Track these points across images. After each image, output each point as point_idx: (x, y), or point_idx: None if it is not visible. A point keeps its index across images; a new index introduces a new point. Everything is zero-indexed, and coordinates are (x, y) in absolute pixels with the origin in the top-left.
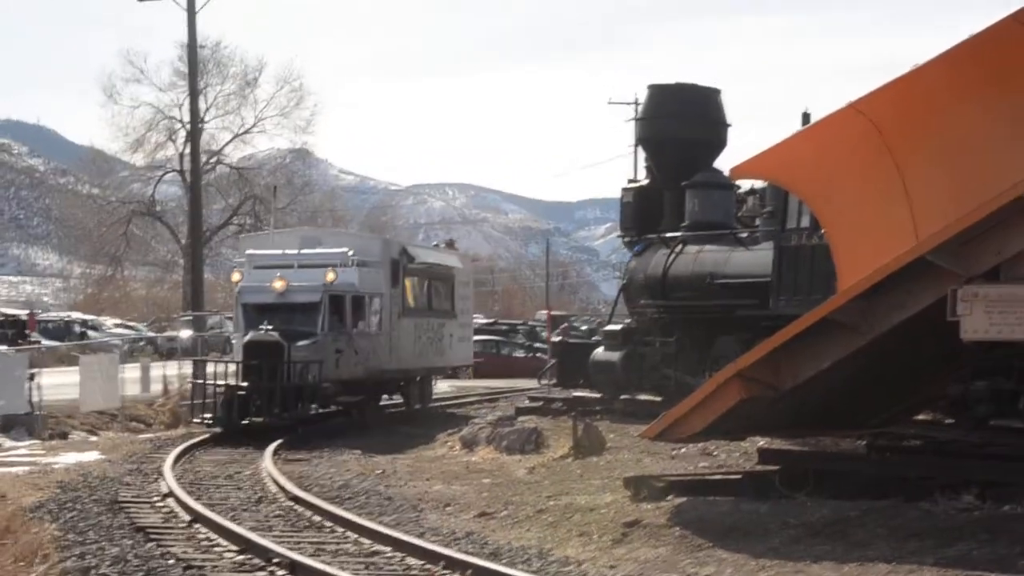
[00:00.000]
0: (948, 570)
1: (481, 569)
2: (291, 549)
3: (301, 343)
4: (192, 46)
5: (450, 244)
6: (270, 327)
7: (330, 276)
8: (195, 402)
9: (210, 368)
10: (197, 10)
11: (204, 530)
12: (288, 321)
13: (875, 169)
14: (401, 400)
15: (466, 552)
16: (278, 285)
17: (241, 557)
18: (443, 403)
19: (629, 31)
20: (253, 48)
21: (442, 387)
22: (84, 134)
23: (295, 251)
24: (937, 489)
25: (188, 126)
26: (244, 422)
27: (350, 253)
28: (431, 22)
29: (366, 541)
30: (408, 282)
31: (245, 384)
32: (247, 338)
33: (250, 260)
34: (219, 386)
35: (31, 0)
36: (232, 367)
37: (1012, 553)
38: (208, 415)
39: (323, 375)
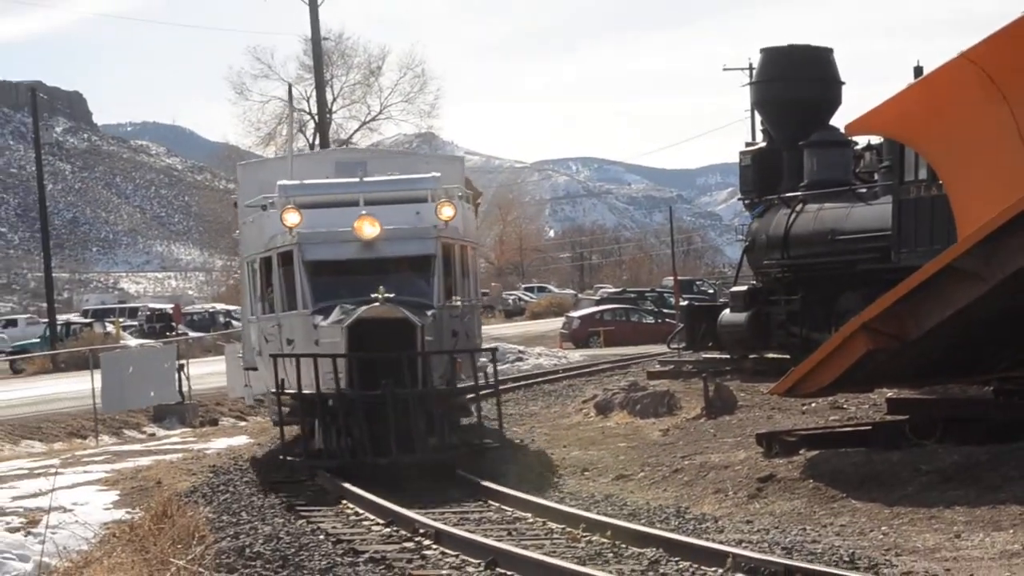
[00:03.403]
0: None
1: (620, 529)
2: (435, 520)
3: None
4: (316, 40)
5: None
6: (396, 292)
7: (447, 211)
8: (281, 420)
9: (295, 370)
10: (320, 3)
11: (352, 506)
12: (387, 285)
13: (990, 117)
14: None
15: (605, 514)
16: (368, 230)
17: (388, 530)
18: (576, 372)
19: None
20: (376, 37)
21: (575, 356)
22: (218, 131)
23: (354, 179)
24: None
25: (316, 117)
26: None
27: (444, 181)
28: (546, 2)
29: (508, 508)
30: None
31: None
32: (358, 315)
33: (284, 195)
34: (312, 400)
35: (160, 8)
36: (324, 367)
37: None
38: (293, 454)
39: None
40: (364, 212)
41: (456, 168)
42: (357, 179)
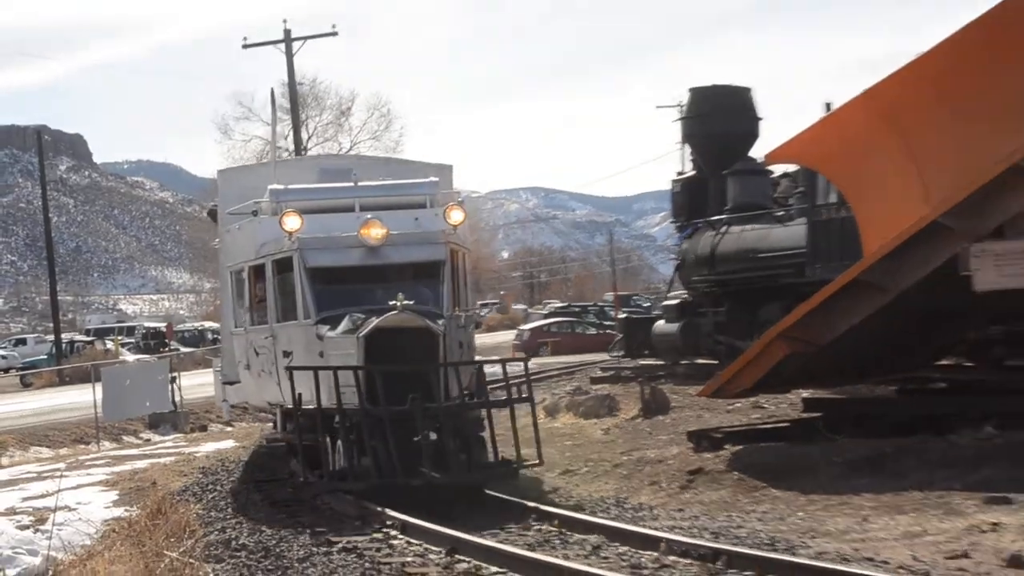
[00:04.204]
0: (973, 493)
1: (566, 518)
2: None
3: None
4: (292, 84)
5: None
6: (407, 300)
7: (457, 215)
8: (284, 435)
9: (302, 384)
10: (294, 53)
11: (329, 500)
12: (387, 295)
13: (889, 148)
14: None
15: (553, 504)
16: (375, 233)
17: (359, 522)
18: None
19: (673, 45)
20: (346, 81)
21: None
22: (205, 168)
23: (348, 184)
24: (961, 424)
25: (293, 154)
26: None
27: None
28: (497, 52)
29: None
30: None
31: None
32: (376, 324)
33: (276, 199)
34: (338, 413)
35: (152, 58)
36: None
37: None
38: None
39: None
40: (370, 216)
41: (446, 176)
42: (351, 183)
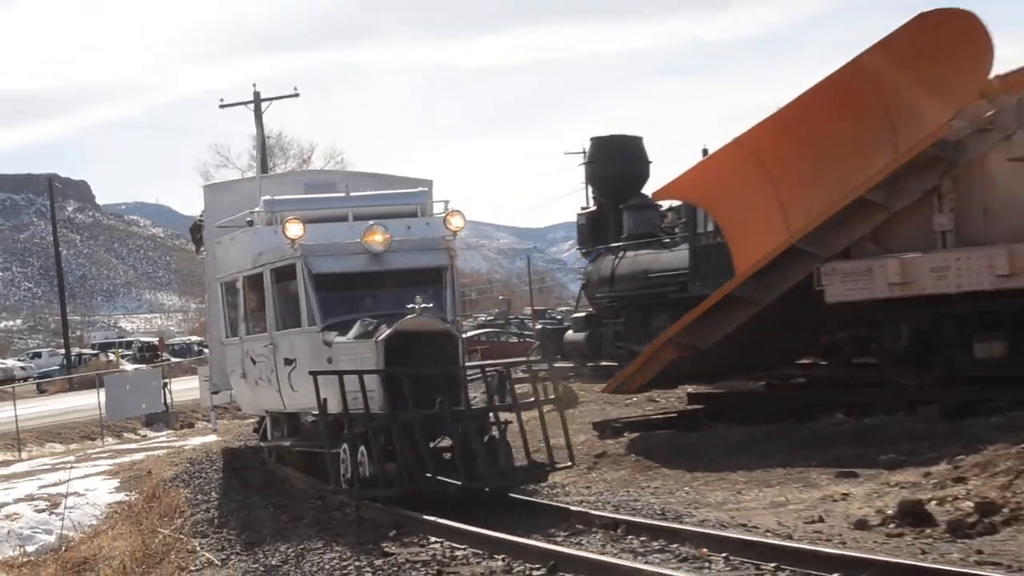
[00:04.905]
0: (827, 469)
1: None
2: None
3: None
4: (260, 137)
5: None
6: (424, 303)
7: (457, 221)
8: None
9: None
10: (263, 112)
11: (296, 485)
12: (389, 301)
13: (756, 187)
14: None
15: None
16: (378, 239)
17: (320, 502)
18: None
19: (579, 100)
20: (307, 134)
21: None
22: (191, 208)
23: (340, 195)
24: (817, 412)
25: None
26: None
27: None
28: (438, 106)
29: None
30: None
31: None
32: (395, 327)
33: (270, 210)
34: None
35: (146, 114)
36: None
37: (872, 451)
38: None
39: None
40: (372, 223)
41: (429, 190)
42: (343, 194)
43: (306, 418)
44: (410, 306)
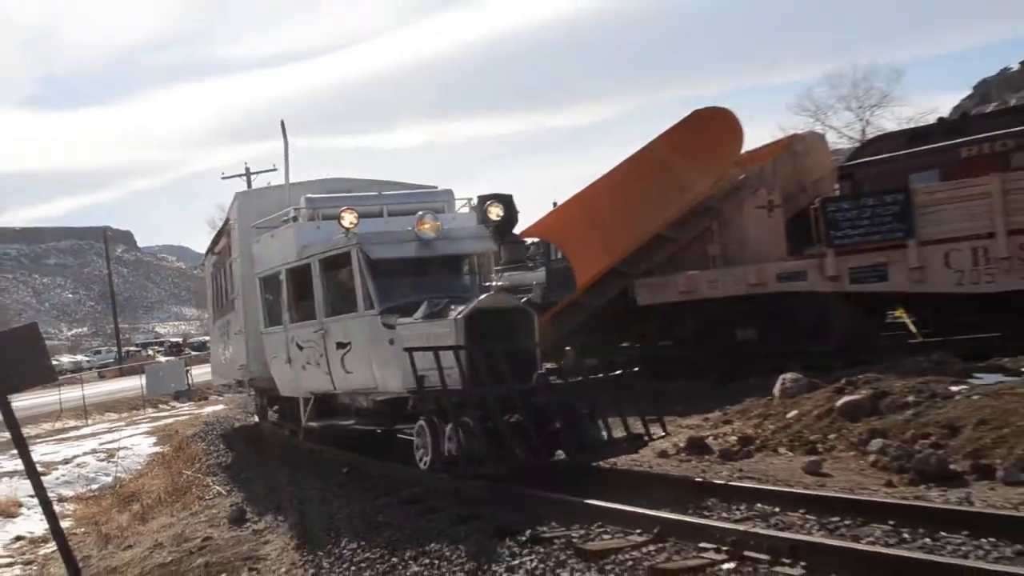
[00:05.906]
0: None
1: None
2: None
3: None
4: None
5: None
6: (502, 283)
7: (497, 211)
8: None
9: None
10: (254, 178)
11: (280, 441)
12: (438, 285)
13: (588, 230)
14: None
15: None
16: (428, 227)
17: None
18: None
19: (470, 169)
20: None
21: None
22: (203, 246)
23: (373, 193)
24: None
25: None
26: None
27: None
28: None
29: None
30: None
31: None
32: (475, 305)
33: (313, 207)
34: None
35: (169, 185)
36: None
37: (670, 404)
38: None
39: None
40: (421, 212)
41: (451, 190)
42: (376, 192)
43: (358, 399)
44: (486, 283)
